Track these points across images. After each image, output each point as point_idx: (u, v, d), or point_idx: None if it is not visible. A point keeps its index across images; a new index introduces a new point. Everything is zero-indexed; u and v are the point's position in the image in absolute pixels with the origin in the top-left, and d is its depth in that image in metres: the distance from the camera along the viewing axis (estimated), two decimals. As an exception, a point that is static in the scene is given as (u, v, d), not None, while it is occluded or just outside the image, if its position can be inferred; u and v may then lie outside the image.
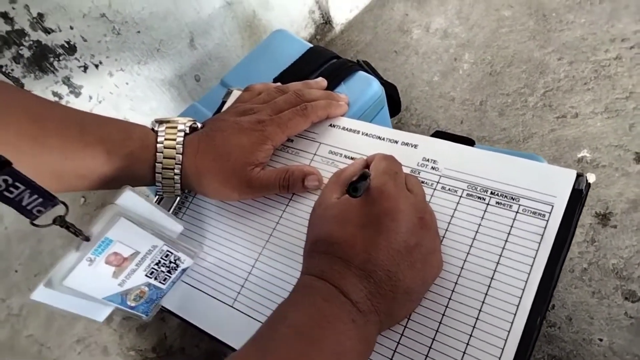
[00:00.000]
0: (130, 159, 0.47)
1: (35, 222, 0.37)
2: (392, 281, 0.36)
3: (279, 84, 0.57)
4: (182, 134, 0.49)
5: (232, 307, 0.47)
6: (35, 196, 0.35)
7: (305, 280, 0.38)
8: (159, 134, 0.49)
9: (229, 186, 0.48)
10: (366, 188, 0.38)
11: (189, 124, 0.50)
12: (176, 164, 0.48)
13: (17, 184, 0.33)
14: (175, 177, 0.49)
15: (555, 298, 0.77)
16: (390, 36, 1.26)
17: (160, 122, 0.50)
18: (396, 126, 1.07)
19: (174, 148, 0.48)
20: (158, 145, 0.48)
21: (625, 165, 0.85)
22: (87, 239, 0.40)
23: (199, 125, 0.51)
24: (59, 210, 0.38)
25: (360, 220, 0.38)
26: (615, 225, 0.80)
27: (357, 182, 0.36)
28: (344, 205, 0.40)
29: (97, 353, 1.14)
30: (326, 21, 1.32)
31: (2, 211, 1.58)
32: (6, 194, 0.33)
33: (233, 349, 0.45)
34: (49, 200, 0.36)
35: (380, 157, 0.44)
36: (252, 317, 0.46)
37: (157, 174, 0.48)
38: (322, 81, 0.59)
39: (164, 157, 0.48)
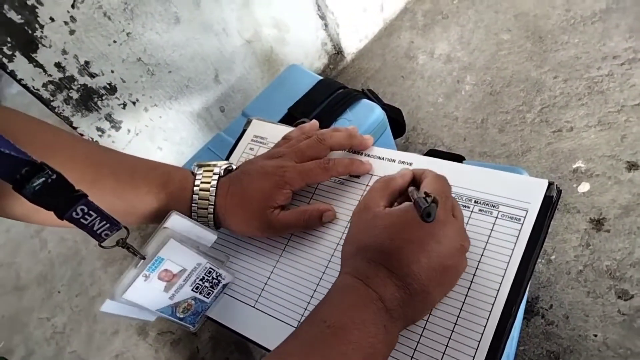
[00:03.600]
0: (170, 198, 0.54)
1: (103, 244, 0.44)
2: (424, 295, 0.40)
3: (309, 125, 0.61)
4: (217, 177, 0.54)
5: (253, 307, 0.54)
6: (104, 222, 0.42)
7: (348, 281, 0.41)
8: (196, 177, 0.54)
9: (252, 226, 0.53)
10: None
11: (224, 166, 0.56)
12: (209, 204, 0.53)
13: (91, 212, 0.41)
14: (209, 215, 0.54)
15: (553, 298, 0.83)
16: (397, 62, 1.35)
17: (200, 165, 0.56)
18: (404, 145, 1.15)
19: (208, 190, 0.53)
20: (195, 187, 0.54)
21: (618, 173, 0.92)
22: (144, 257, 0.47)
23: (234, 167, 0.57)
24: (121, 234, 0.45)
25: (409, 237, 0.41)
26: (609, 230, 0.86)
27: (430, 207, 0.37)
28: (396, 219, 0.42)
29: (135, 367, 1.23)
30: (338, 52, 1.42)
31: (45, 236, 1.72)
32: (82, 220, 0.41)
33: (255, 343, 0.52)
34: (115, 225, 0.43)
35: (433, 176, 0.46)
36: (270, 315, 0.53)
37: (193, 214, 0.54)
38: (354, 129, 0.59)
39: (199, 199, 0.53)
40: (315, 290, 0.52)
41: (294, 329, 0.51)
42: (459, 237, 0.42)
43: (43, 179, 0.36)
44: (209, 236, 0.54)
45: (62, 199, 0.39)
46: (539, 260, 0.89)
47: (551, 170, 0.97)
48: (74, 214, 0.39)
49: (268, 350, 0.52)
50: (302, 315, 0.52)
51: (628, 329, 0.77)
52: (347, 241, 0.46)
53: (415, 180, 0.47)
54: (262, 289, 0.55)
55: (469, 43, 1.28)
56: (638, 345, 0.75)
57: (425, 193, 0.40)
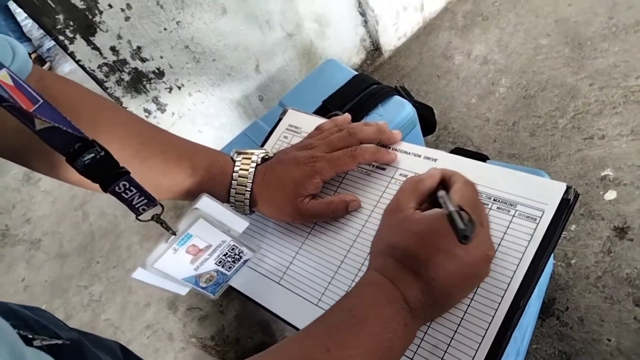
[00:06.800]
0: (212, 182, 0.58)
1: (140, 217, 0.48)
2: (447, 299, 0.43)
3: (341, 118, 0.63)
4: (255, 164, 0.57)
5: (278, 283, 0.58)
6: (143, 198, 0.46)
7: (376, 278, 0.43)
8: (236, 163, 0.57)
9: (283, 213, 0.57)
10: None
11: (262, 155, 0.58)
12: (246, 190, 0.57)
13: (132, 187, 0.45)
14: (245, 200, 0.57)
15: (570, 301, 0.85)
16: (434, 61, 1.37)
17: (239, 152, 0.59)
18: (434, 143, 1.17)
19: (246, 177, 0.57)
20: (234, 174, 0.57)
21: (647, 184, 0.92)
22: (174, 233, 0.52)
23: (271, 155, 0.60)
24: (157, 210, 0.49)
25: (438, 245, 0.42)
26: (632, 239, 0.87)
27: (467, 230, 0.37)
28: (426, 227, 0.43)
29: (164, 338, 1.31)
30: (376, 48, 1.45)
31: (88, 210, 1.82)
32: (123, 195, 0.45)
33: (276, 315, 0.56)
34: (152, 201, 0.47)
35: (463, 182, 0.47)
36: (293, 292, 0.57)
37: (231, 197, 0.58)
38: (384, 124, 0.61)
39: (237, 184, 0.57)
40: (336, 272, 0.56)
41: (313, 305, 0.56)
42: (485, 247, 0.44)
43: (92, 154, 0.41)
44: (241, 222, 0.58)
45: (107, 173, 0.43)
46: (558, 263, 0.91)
47: (579, 176, 0.98)
48: (116, 188, 0.44)
49: (286, 322, 0.56)
50: (323, 294, 0.55)
51: (643, 336, 0.78)
52: (377, 238, 0.48)
53: (445, 181, 0.49)
54: (288, 267, 0.59)
55: (507, 46, 1.28)
56: (651, 352, 0.77)
57: (459, 207, 0.41)
